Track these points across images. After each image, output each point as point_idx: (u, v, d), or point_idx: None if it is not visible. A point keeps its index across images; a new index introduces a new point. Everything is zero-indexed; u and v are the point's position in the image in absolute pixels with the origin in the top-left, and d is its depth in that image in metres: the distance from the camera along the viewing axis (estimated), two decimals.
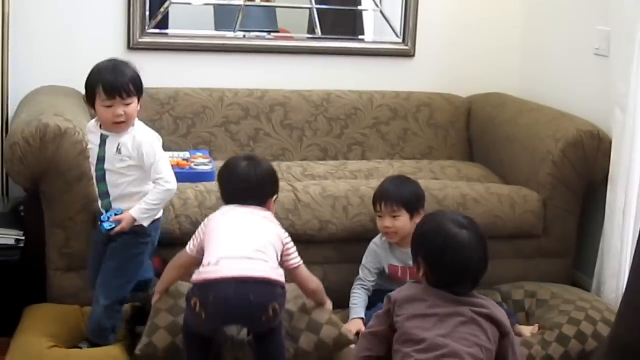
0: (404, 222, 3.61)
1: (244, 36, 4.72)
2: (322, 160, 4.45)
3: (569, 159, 4.07)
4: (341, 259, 3.86)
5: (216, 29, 4.76)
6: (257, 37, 4.77)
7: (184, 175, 3.80)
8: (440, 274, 2.64)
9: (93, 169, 3.28)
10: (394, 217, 3.61)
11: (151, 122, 4.27)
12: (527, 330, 3.56)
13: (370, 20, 5.04)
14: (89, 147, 3.33)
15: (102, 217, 3.23)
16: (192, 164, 3.94)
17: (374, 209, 3.70)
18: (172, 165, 3.82)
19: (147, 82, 4.24)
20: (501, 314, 2.69)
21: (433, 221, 2.77)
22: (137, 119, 3.28)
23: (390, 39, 4.88)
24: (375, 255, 3.73)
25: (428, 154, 4.65)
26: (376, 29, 5.01)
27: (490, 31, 4.95)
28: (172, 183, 3.22)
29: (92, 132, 3.29)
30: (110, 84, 3.16)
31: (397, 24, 4.85)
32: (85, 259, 3.60)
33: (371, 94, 4.65)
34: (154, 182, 3.22)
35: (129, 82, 3.19)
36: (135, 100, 3.22)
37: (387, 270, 3.70)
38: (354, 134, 4.58)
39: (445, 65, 4.92)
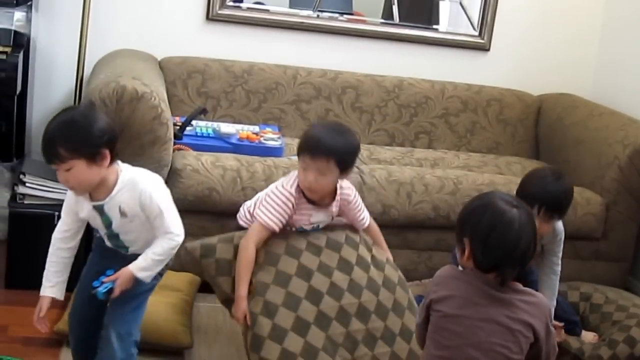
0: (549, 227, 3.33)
1: (318, 16, 4.74)
2: (389, 146, 4.47)
3: (635, 165, 4.06)
4: (401, 244, 3.88)
5: (290, 7, 4.78)
6: (330, 18, 4.77)
7: (253, 149, 3.88)
8: (487, 253, 2.42)
9: (100, 232, 2.77)
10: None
11: (224, 94, 4.34)
12: (587, 338, 3.57)
13: (445, 10, 5.03)
14: (81, 215, 2.73)
15: (94, 283, 2.67)
16: (262, 139, 3.97)
17: None
18: (242, 138, 3.90)
19: (223, 54, 4.35)
20: (542, 317, 2.49)
21: (481, 199, 2.54)
22: (124, 165, 2.71)
23: (466, 30, 4.87)
24: None
25: (494, 148, 4.65)
26: (451, 20, 5.00)
27: (568, 32, 4.92)
28: (180, 235, 2.71)
29: (79, 202, 2.70)
30: (42, 147, 2.56)
31: (475, 17, 4.84)
32: None
33: (443, 84, 4.65)
34: (160, 236, 2.68)
35: (57, 146, 2.50)
36: (78, 163, 2.52)
37: None
38: (422, 123, 4.59)
39: (519, 61, 4.91)
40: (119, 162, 2.67)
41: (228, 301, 2.99)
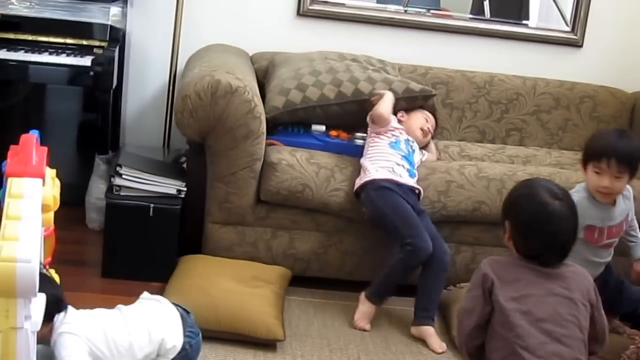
0: (623, 184, 3.28)
1: (405, 11, 4.74)
2: (479, 143, 4.43)
3: None
4: (491, 241, 3.84)
5: (378, 2, 4.79)
6: (418, 14, 4.76)
7: (343, 147, 3.87)
8: (528, 243, 2.58)
9: None
10: (617, 177, 3.24)
11: None
12: None
13: (535, 5, 4.99)
14: None
15: None
16: (353, 137, 3.95)
17: (588, 163, 3.29)
18: (333, 136, 3.91)
19: (313, 49, 4.35)
20: (589, 285, 2.62)
21: (526, 187, 2.69)
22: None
23: (557, 26, 4.81)
24: None
25: None
26: (541, 15, 4.95)
27: None
28: None
29: None
30: None
31: (568, 12, 4.78)
32: (243, 215, 3.71)
33: (535, 80, 4.58)
34: None
35: None
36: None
37: (580, 234, 3.23)
38: (513, 119, 4.53)
39: (614, 58, 4.82)
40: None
41: None
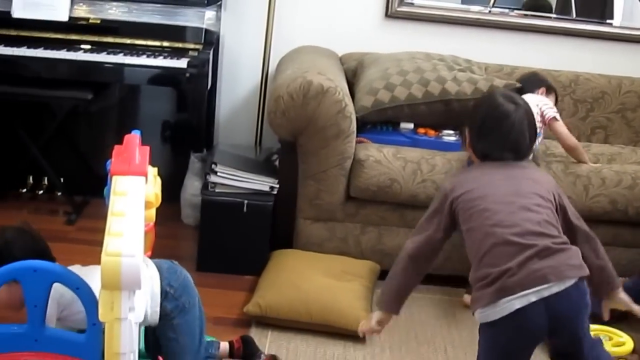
0: None
1: (490, 11, 4.80)
2: None
3: None
4: None
5: (462, 3, 4.86)
6: (502, 14, 4.82)
7: (430, 144, 3.96)
8: (483, 142, 2.65)
9: None
10: None
11: None
12: None
13: (620, 3, 4.99)
14: None
15: None
16: (441, 134, 4.05)
17: None
18: (421, 133, 4.00)
19: (398, 48, 4.44)
20: (547, 175, 2.73)
21: (486, 95, 2.88)
22: None
23: None
24: None
25: None
26: (625, 14, 4.95)
27: None
28: None
29: None
30: None
31: None
32: (333, 212, 3.83)
33: (620, 79, 4.59)
34: None
35: None
36: None
37: None
38: (598, 118, 4.56)
39: None
40: None
41: None
